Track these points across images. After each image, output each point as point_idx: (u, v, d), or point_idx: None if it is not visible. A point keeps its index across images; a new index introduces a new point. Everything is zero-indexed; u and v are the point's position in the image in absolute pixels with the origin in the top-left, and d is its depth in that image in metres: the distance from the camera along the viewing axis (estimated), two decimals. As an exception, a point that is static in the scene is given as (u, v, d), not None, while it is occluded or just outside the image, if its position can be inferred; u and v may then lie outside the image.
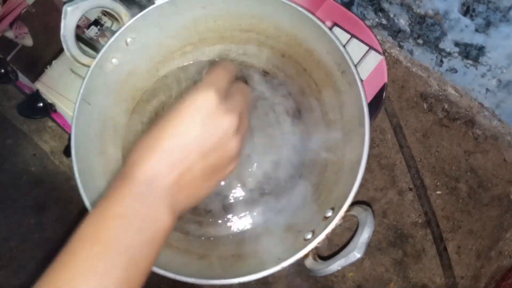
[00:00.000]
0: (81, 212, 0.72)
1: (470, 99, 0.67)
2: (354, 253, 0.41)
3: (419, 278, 0.67)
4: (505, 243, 0.68)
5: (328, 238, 0.44)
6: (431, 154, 0.69)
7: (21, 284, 0.72)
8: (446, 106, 0.69)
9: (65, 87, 0.62)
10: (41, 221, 0.75)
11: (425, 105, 0.70)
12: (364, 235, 0.41)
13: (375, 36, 0.60)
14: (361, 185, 0.45)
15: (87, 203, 0.47)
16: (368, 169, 0.68)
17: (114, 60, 0.52)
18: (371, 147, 0.46)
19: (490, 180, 0.68)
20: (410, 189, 0.68)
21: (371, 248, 0.67)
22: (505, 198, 0.68)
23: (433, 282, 0.67)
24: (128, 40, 0.52)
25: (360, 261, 0.67)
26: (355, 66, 0.47)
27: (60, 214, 0.75)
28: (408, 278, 0.67)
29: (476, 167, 0.69)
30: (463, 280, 0.66)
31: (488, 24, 0.54)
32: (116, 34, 0.50)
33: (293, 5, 0.49)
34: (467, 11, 0.54)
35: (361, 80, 0.47)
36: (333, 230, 0.44)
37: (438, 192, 0.68)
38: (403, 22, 0.63)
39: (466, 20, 0.55)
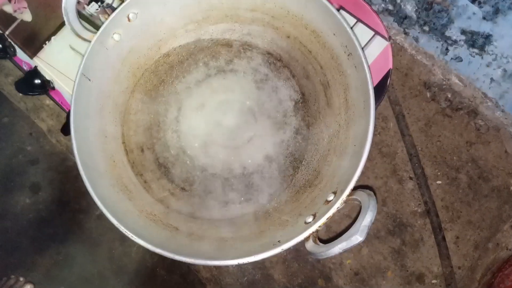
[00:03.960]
0: (76, 193, 0.72)
1: (474, 89, 0.67)
2: (357, 236, 0.40)
3: (417, 267, 0.66)
4: (502, 234, 0.68)
5: (327, 225, 0.44)
6: (432, 144, 0.68)
7: (15, 263, 0.72)
8: (450, 96, 0.69)
9: (64, 64, 0.61)
10: (37, 201, 0.74)
11: (428, 94, 0.69)
12: (367, 219, 0.41)
13: (381, 21, 0.60)
14: (362, 173, 0.45)
15: (85, 180, 0.46)
16: (369, 157, 0.67)
17: (115, 36, 0.51)
18: (373, 134, 0.46)
19: (490, 171, 0.68)
20: (411, 178, 0.68)
21: (369, 236, 0.67)
22: (505, 189, 0.68)
23: (430, 272, 0.66)
24: (131, 15, 0.51)
25: (358, 249, 0.67)
26: (362, 48, 0.47)
27: (56, 195, 0.74)
28: (405, 267, 0.67)
29: (477, 158, 0.68)
30: (460, 270, 0.66)
31: (496, 11, 0.53)
32: (119, 9, 0.49)
33: (301, -16, 0.48)
34: (476, -3, 0.53)
35: (368, 63, 0.46)
36: (332, 217, 0.44)
37: (439, 182, 0.68)
38: (409, 8, 0.62)
39: (474, 7, 0.55)
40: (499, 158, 0.68)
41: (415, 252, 0.67)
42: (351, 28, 0.48)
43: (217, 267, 0.67)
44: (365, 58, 0.46)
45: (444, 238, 0.66)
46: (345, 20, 0.47)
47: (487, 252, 0.67)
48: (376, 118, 0.69)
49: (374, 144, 0.68)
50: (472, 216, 0.67)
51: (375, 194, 0.65)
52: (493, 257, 0.67)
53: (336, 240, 0.41)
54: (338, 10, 0.60)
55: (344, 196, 0.44)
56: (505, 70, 0.60)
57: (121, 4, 0.50)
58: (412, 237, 0.67)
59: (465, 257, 0.67)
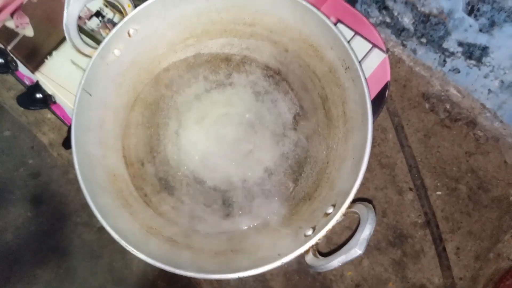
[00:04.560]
0: (77, 206, 0.72)
1: (472, 100, 0.67)
2: (356, 249, 0.40)
3: (418, 279, 0.66)
4: (503, 245, 0.68)
5: (327, 237, 0.44)
6: (432, 155, 0.69)
7: (16, 276, 0.72)
8: (448, 107, 0.69)
9: (65, 78, 0.62)
10: (38, 214, 0.74)
11: (427, 105, 0.70)
12: (366, 232, 0.41)
13: (379, 34, 0.60)
14: (361, 184, 0.45)
15: (86, 194, 0.46)
16: (368, 168, 0.68)
17: (116, 51, 0.52)
18: (372, 146, 0.46)
19: (490, 182, 0.68)
20: (411, 189, 0.68)
21: (370, 247, 0.67)
22: (505, 200, 0.68)
23: (431, 283, 0.66)
24: (131, 31, 0.52)
25: (359, 260, 0.67)
26: (359, 62, 0.47)
27: (57, 208, 0.74)
28: (406, 278, 0.66)
29: (477, 169, 0.68)
30: (462, 281, 0.66)
31: (492, 24, 0.53)
32: (119, 25, 0.49)
33: (298, -1, 0.48)
34: (471, 10, 0.54)
35: (365, 77, 0.47)
36: (332, 229, 0.44)
37: (438, 193, 0.68)
38: (407, 20, 0.63)
39: (470, 20, 0.55)
40: (499, 168, 0.68)
41: (416, 263, 0.67)
42: (348, 42, 0.48)
43: (218, 280, 0.67)
44: (362, 71, 0.47)
45: (444, 249, 0.66)
46: (342, 34, 0.48)
47: (488, 263, 0.67)
48: (375, 130, 0.69)
49: (373, 155, 0.69)
50: (473, 227, 0.67)
51: (374, 206, 0.65)
52: (494, 267, 0.67)
53: (335, 254, 0.41)
54: (336, 24, 0.60)
55: (343, 209, 0.44)
56: (502, 81, 0.60)
57: (122, 19, 0.51)
58: (412, 248, 0.67)
59: (466, 267, 0.67)
